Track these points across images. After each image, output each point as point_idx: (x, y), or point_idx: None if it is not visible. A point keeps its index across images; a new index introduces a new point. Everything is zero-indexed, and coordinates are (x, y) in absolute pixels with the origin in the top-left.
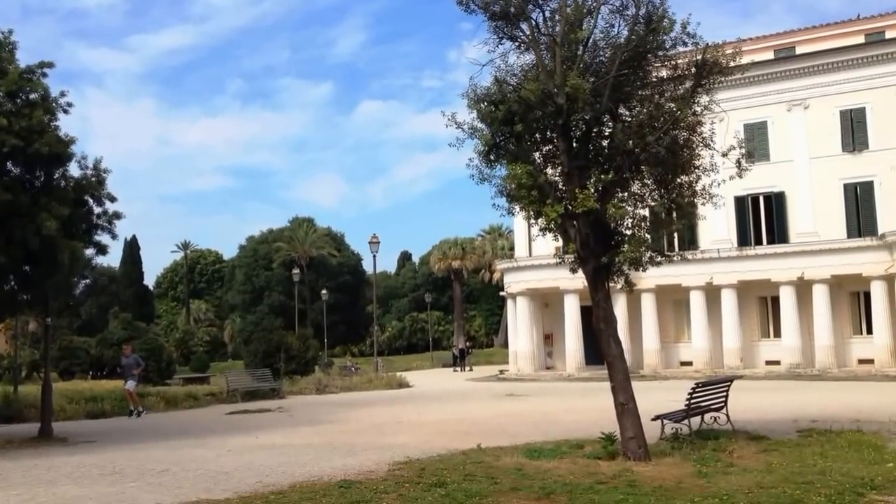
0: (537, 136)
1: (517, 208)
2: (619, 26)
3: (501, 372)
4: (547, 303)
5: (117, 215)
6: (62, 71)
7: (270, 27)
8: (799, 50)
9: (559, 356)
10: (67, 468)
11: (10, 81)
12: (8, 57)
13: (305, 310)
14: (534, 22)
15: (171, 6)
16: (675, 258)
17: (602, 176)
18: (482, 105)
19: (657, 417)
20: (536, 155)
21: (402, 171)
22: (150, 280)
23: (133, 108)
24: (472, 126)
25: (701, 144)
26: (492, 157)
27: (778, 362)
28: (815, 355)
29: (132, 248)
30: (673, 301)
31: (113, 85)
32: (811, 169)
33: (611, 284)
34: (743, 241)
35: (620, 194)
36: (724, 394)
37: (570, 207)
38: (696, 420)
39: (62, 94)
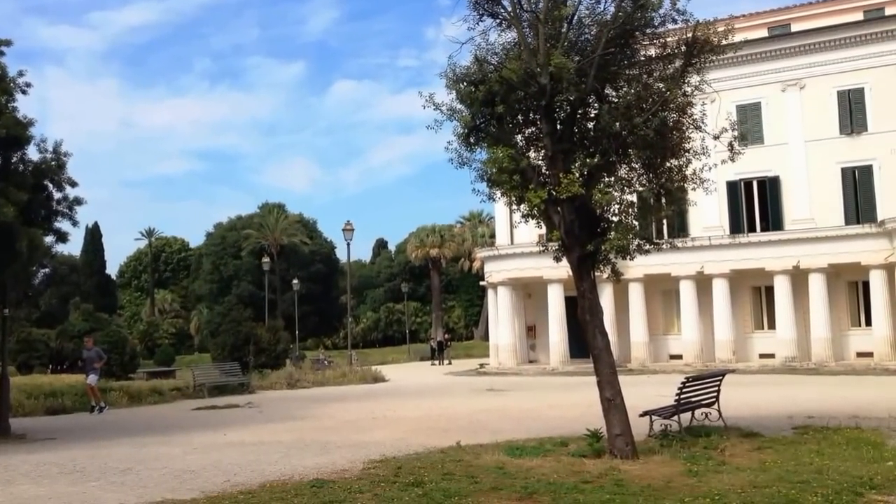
0: (519, 117)
1: (498, 194)
2: (606, 2)
3: (482, 366)
4: (530, 293)
5: (78, 201)
6: (20, 49)
7: (239, 3)
8: (794, 27)
9: (542, 349)
10: (26, 467)
11: None
12: None
13: (276, 300)
14: None
15: None
16: (664, 246)
17: (587, 160)
18: (461, 85)
19: (645, 413)
20: (519, 137)
21: (377, 155)
22: (112, 269)
23: (95, 88)
24: (451, 107)
25: (691, 126)
26: (472, 140)
27: (772, 355)
28: (812, 348)
29: (94, 235)
30: (662, 291)
31: (74, 64)
32: (807, 152)
33: (597, 274)
34: (735, 228)
35: (607, 179)
36: (716, 388)
37: (553, 193)
38: (686, 416)
39: (20, 74)
